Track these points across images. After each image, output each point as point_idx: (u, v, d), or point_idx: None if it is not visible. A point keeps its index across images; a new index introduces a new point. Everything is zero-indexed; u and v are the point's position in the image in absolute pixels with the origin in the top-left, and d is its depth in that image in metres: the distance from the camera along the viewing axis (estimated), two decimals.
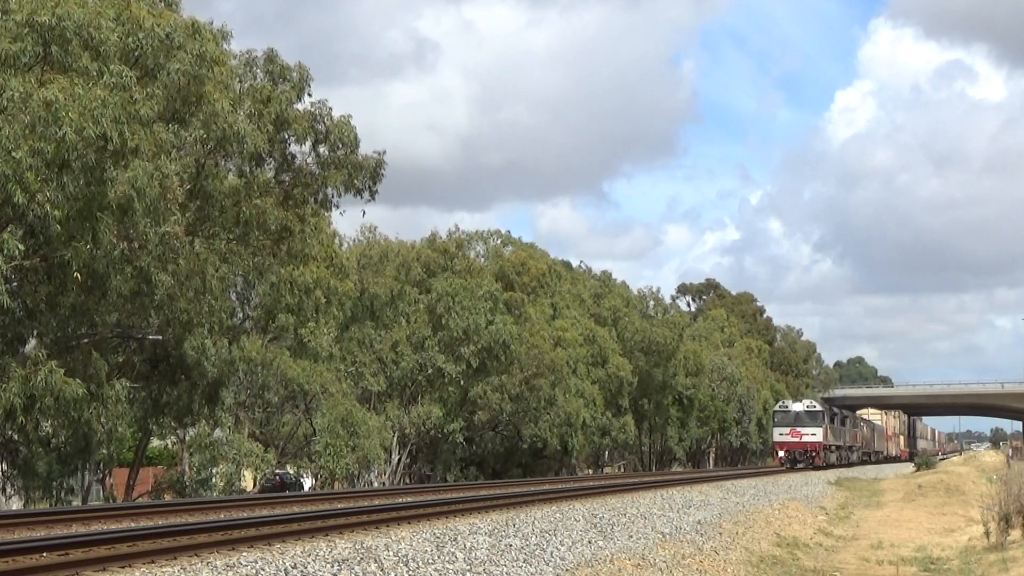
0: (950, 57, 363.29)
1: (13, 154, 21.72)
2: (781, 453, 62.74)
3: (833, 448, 66.94)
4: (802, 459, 61.53)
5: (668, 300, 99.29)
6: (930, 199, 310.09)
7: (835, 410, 73.80)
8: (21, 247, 22.33)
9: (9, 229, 22.58)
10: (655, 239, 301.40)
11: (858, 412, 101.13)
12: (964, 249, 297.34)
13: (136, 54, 25.50)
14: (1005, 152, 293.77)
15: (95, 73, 23.48)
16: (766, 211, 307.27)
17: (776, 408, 66.89)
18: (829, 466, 63.84)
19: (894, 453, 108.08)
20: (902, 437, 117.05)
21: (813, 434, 62.08)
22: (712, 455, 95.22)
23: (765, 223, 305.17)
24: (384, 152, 31.83)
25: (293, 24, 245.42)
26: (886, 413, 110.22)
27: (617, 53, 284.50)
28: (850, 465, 72.82)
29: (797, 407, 63.81)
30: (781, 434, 63.12)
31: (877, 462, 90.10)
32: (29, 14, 23.31)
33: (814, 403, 65.53)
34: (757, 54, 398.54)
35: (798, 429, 62.07)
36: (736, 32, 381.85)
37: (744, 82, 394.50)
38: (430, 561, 14.79)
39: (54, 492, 31.28)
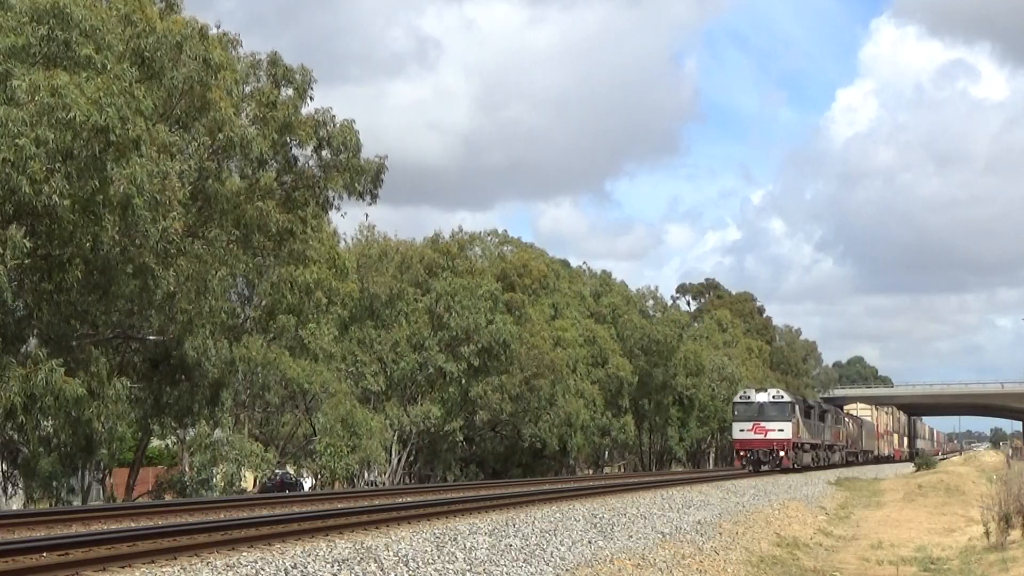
0: (953, 56, 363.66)
1: (17, 141, 21.73)
2: (742, 453, 52.22)
3: (807, 446, 56.80)
4: (767, 460, 51.00)
5: (668, 300, 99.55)
6: (932, 198, 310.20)
7: (811, 402, 62.65)
8: (28, 244, 22.36)
9: (14, 225, 22.60)
10: (656, 238, 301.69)
11: (845, 407, 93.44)
12: (966, 249, 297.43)
13: (144, 55, 25.58)
14: (1007, 151, 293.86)
15: (99, 63, 23.53)
16: (768, 210, 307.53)
17: (735, 399, 55.05)
18: (802, 468, 54.74)
19: (887, 453, 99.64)
20: (896, 435, 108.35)
21: (780, 430, 51.12)
22: (712, 455, 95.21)
23: (767, 223, 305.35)
24: (386, 157, 32.08)
25: (294, 23, 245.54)
26: (877, 408, 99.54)
27: (619, 51, 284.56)
28: (831, 467, 64.21)
29: (761, 397, 52.59)
30: (742, 430, 52.13)
31: (865, 463, 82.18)
32: (31, 2, 23.40)
33: (782, 392, 53.89)
34: (758, 53, 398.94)
35: (762, 424, 51.24)
36: (737, 32, 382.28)
37: (745, 82, 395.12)
38: (430, 561, 14.80)
39: (55, 492, 31.31)
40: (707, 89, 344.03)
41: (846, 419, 76.42)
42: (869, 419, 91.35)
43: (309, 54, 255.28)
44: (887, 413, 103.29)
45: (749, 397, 53.20)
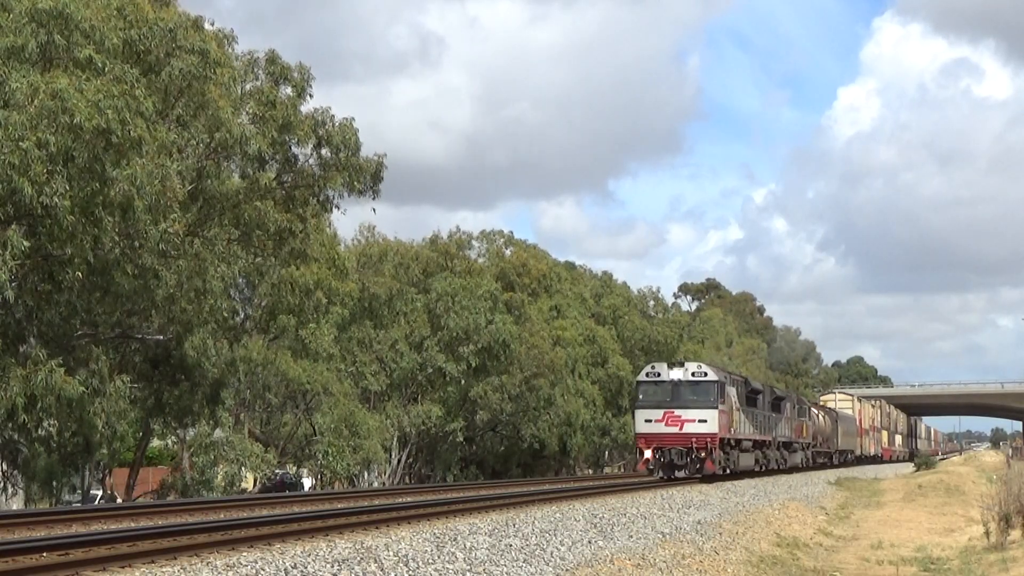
0: (956, 55, 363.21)
1: (21, 144, 21.77)
2: (647, 453, 36.98)
3: (747, 444, 42.04)
4: (683, 462, 36.63)
5: (670, 300, 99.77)
6: (934, 198, 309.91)
7: (758, 385, 46.52)
8: (27, 243, 22.40)
9: (13, 227, 22.63)
10: (659, 237, 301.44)
11: (823, 398, 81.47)
12: (968, 248, 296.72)
13: (139, 48, 25.60)
14: (1010, 150, 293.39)
15: (99, 64, 23.57)
16: (769, 210, 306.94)
17: (640, 377, 39.40)
18: (741, 473, 40.91)
19: (873, 452, 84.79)
20: (885, 432, 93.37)
21: (702, 420, 36.85)
22: None
23: (768, 222, 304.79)
24: (385, 155, 32.21)
25: (295, 21, 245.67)
26: (860, 400, 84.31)
27: (621, 50, 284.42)
28: (789, 471, 50.40)
29: (675, 374, 37.65)
30: (648, 420, 37.32)
31: (843, 464, 68.36)
32: (31, 4, 23.44)
33: (705, 368, 38.99)
34: (760, 53, 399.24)
35: (677, 412, 36.94)
36: (739, 31, 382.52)
37: (747, 81, 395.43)
38: (430, 561, 14.81)
39: (55, 492, 31.36)
40: (709, 88, 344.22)
41: (814, 411, 61.64)
42: (849, 412, 76.95)
43: (310, 52, 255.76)
44: (873, 406, 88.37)
45: (659, 374, 38.01)
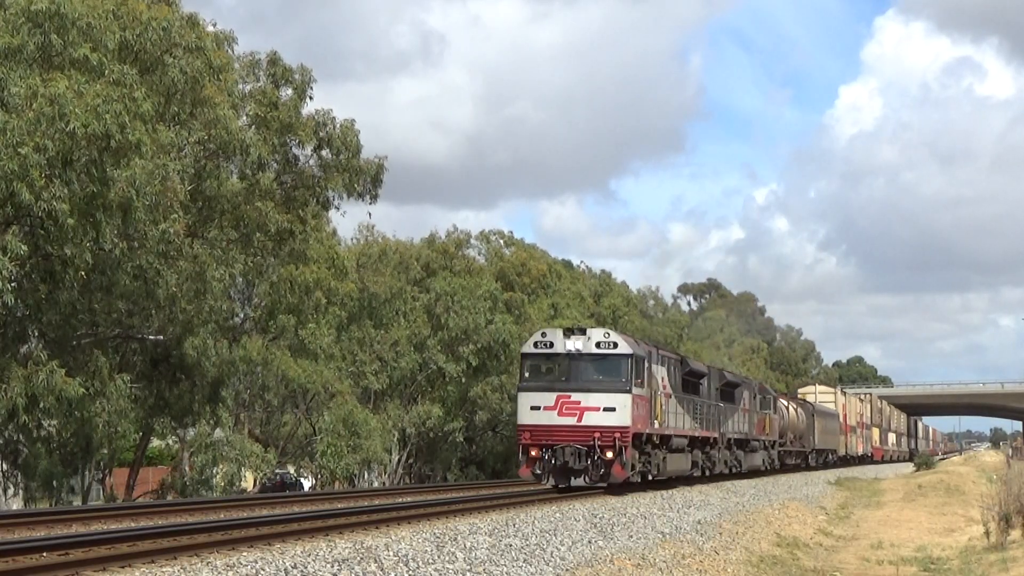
0: (959, 54, 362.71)
1: (19, 150, 21.77)
2: (533, 452, 26.91)
3: (679, 442, 31.83)
4: (582, 466, 26.64)
5: (670, 299, 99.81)
6: (936, 197, 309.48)
7: (697, 366, 35.39)
8: (25, 247, 22.41)
9: (12, 230, 22.64)
10: (660, 237, 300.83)
11: (801, 391, 73.15)
12: (969, 248, 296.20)
13: (135, 49, 25.61)
14: (1012, 150, 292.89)
15: (96, 64, 23.57)
16: (771, 209, 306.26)
17: (526, 348, 28.73)
18: (655, 481, 30.61)
19: (860, 452, 76.40)
20: (876, 430, 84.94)
21: (609, 408, 26.92)
22: None
23: (770, 221, 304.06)
24: (386, 157, 32.30)
25: (296, 19, 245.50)
26: (845, 394, 76.03)
27: (623, 49, 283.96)
28: (747, 475, 41.53)
29: (573, 344, 27.42)
30: (535, 408, 27.23)
31: (822, 466, 60.13)
32: (27, 4, 23.44)
33: (615, 337, 28.08)
34: (762, 52, 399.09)
35: (574, 397, 27.04)
36: (740, 30, 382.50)
37: (749, 81, 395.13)
38: (430, 561, 14.82)
39: (54, 492, 31.38)
40: (711, 87, 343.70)
41: (783, 403, 51.69)
42: (831, 407, 67.64)
43: (312, 51, 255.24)
44: (861, 400, 79.72)
45: (551, 344, 27.71)
